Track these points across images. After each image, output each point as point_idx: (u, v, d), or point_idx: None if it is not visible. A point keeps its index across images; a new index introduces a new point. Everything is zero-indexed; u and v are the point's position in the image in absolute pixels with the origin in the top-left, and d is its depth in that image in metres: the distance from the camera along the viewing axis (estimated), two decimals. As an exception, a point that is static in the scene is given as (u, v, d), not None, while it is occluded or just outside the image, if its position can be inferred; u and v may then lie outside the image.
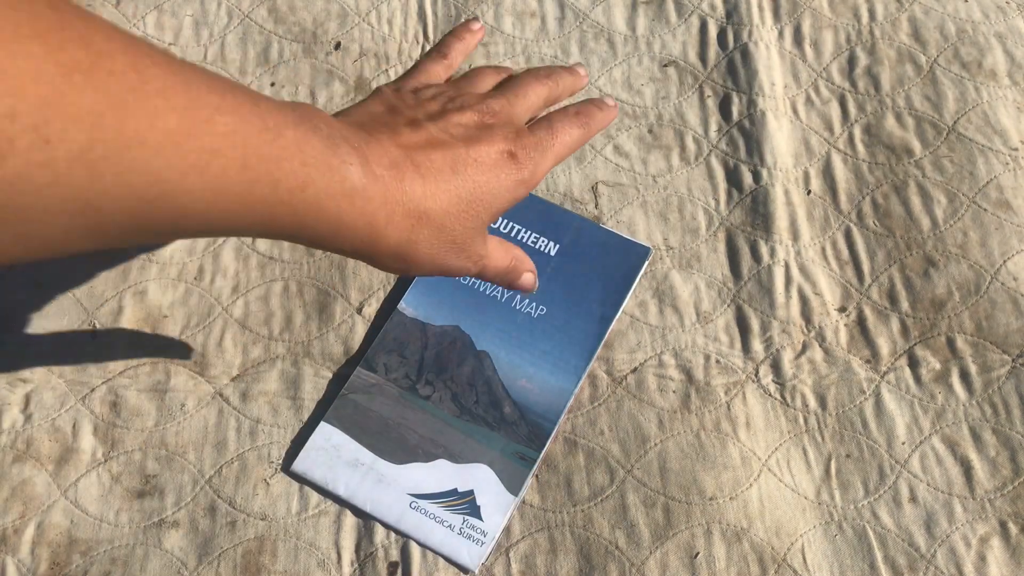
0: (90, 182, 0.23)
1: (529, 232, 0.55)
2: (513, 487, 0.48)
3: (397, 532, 0.48)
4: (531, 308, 0.53)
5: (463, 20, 0.63)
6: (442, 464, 0.49)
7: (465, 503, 0.48)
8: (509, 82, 0.42)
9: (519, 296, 0.53)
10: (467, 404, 0.51)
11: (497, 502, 0.48)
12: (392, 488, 0.48)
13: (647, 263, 0.55)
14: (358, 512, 0.48)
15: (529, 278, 0.42)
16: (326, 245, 0.33)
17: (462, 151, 0.35)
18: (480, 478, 0.49)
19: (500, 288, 0.53)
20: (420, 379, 0.52)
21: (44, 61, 0.22)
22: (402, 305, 0.53)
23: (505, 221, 0.55)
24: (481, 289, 0.54)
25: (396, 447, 0.49)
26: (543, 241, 0.55)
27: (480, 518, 0.48)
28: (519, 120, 0.39)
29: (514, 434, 0.50)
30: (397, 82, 0.41)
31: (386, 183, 0.32)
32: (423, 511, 0.48)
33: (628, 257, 0.54)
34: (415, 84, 0.41)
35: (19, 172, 0.21)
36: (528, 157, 0.37)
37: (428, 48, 0.63)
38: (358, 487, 0.48)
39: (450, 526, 0.47)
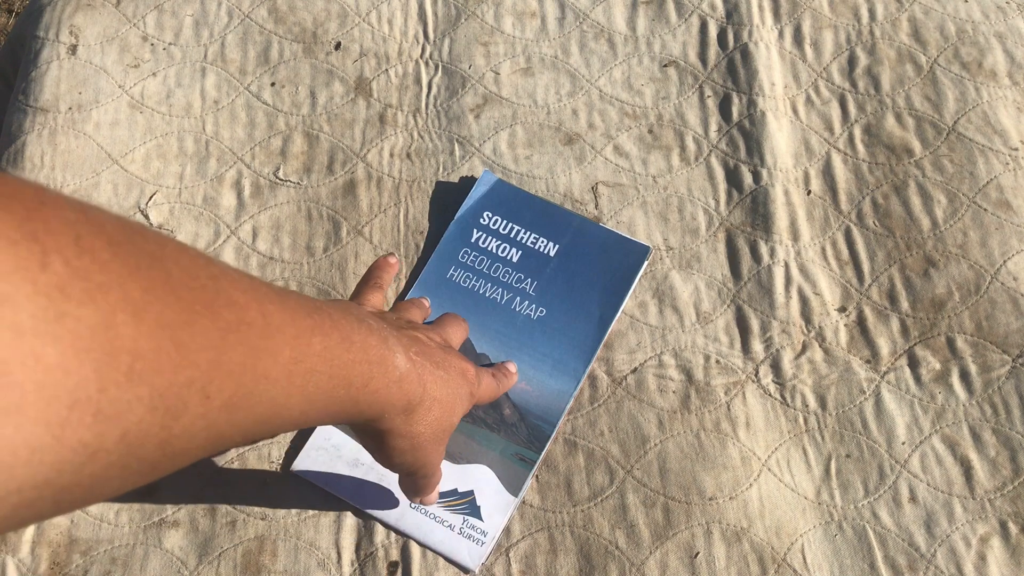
0: (228, 421, 0.26)
1: (529, 232, 0.55)
2: (513, 488, 0.48)
3: (397, 532, 0.48)
4: (531, 310, 0.53)
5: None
6: (442, 464, 0.49)
7: (465, 503, 0.48)
8: (441, 319, 0.50)
9: (519, 298, 0.53)
10: (467, 404, 0.51)
11: (497, 502, 0.48)
12: (392, 488, 0.48)
13: (647, 263, 0.55)
14: (358, 512, 0.48)
15: (435, 496, 0.47)
16: (367, 426, 0.38)
17: (442, 354, 0.42)
18: (480, 479, 0.49)
19: (499, 290, 0.54)
20: (420, 379, 0.52)
21: (211, 330, 0.25)
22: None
23: (505, 222, 0.55)
24: (481, 292, 0.54)
25: (396, 447, 0.49)
26: (543, 241, 0.55)
27: (480, 518, 0.48)
28: (459, 353, 0.47)
29: (514, 436, 0.50)
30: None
31: (419, 368, 0.39)
32: (423, 511, 0.48)
33: (628, 256, 0.54)
34: (403, 302, 0.51)
35: (185, 427, 0.24)
36: (475, 377, 0.44)
37: (428, 49, 0.63)
38: (358, 487, 0.48)
39: (450, 526, 0.47)
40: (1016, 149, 0.58)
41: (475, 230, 0.55)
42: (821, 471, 0.49)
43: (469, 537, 0.47)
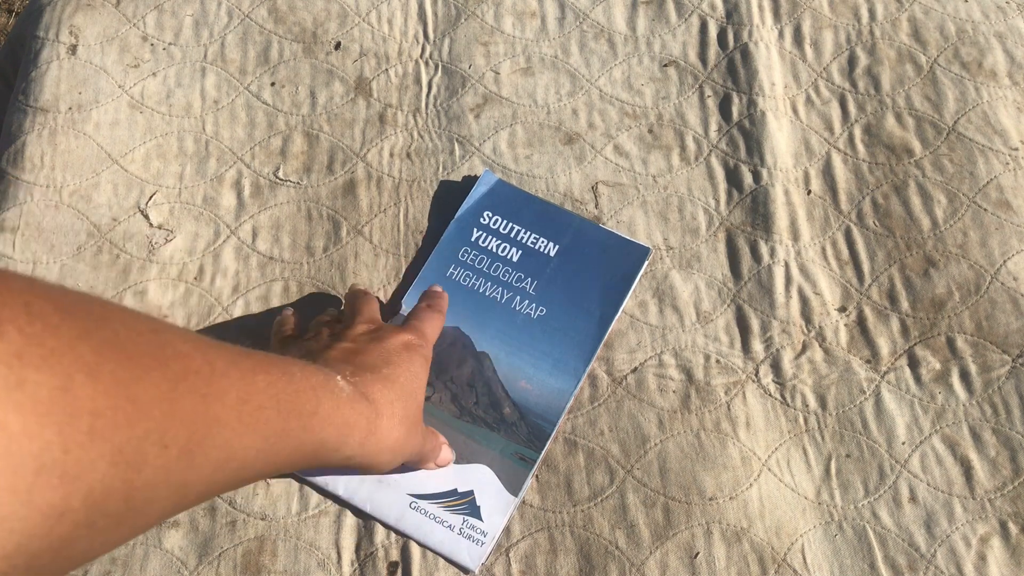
0: (187, 467, 0.27)
1: (529, 232, 0.55)
2: (513, 487, 0.48)
3: (397, 532, 0.48)
4: (531, 309, 0.53)
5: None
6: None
7: (465, 503, 0.48)
8: (349, 308, 0.50)
9: (519, 297, 0.53)
10: (467, 405, 0.51)
11: (497, 502, 0.48)
12: (392, 488, 0.48)
13: (647, 263, 0.55)
14: (358, 512, 0.48)
15: (447, 452, 0.49)
16: (339, 453, 0.38)
17: (376, 348, 0.44)
18: (480, 479, 0.49)
19: (500, 289, 0.54)
20: (420, 379, 0.52)
21: (161, 382, 0.25)
22: (403, 307, 0.53)
23: (505, 222, 0.55)
24: (481, 291, 0.54)
25: (396, 447, 0.49)
26: (543, 241, 0.55)
27: (480, 518, 0.48)
28: (389, 327, 0.47)
29: (514, 435, 0.50)
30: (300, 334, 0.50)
31: (360, 385, 0.40)
32: (423, 511, 0.48)
33: (628, 257, 0.54)
34: (312, 324, 0.51)
35: (147, 479, 0.24)
36: (418, 335, 0.46)
37: (428, 49, 0.63)
38: (358, 487, 0.48)
39: (450, 526, 0.47)
40: (1016, 149, 0.58)
41: (475, 229, 0.55)
42: (821, 471, 0.49)
43: (469, 537, 0.47)
